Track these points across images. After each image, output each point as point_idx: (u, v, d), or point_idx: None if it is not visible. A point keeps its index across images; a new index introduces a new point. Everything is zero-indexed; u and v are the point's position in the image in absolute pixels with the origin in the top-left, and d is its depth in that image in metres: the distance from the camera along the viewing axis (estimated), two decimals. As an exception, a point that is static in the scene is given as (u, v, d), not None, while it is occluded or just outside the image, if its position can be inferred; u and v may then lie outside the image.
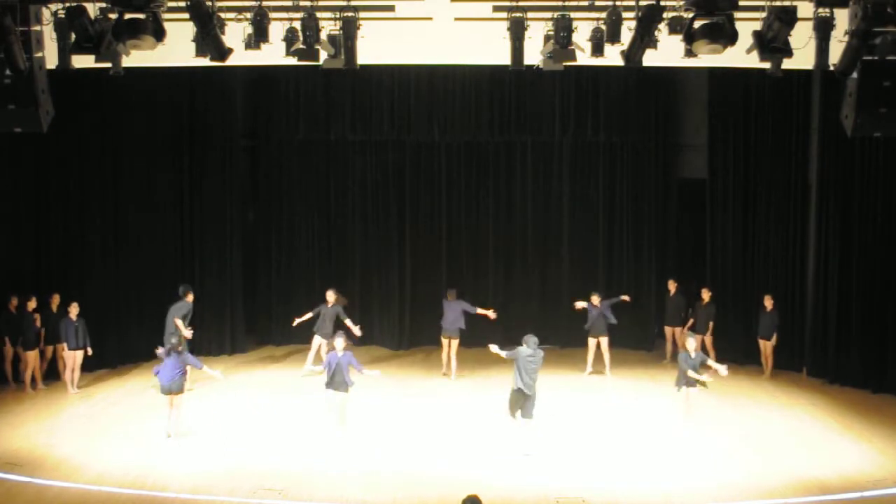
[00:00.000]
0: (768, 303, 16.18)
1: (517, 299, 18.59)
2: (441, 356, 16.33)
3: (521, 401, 12.13)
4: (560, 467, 11.59)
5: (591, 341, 16.28)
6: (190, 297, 15.16)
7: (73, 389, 14.92)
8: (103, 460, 11.76)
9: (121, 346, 16.76)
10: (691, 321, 16.86)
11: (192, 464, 11.66)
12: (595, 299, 16.25)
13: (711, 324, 16.58)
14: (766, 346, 16.23)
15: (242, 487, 10.87)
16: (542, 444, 12.16)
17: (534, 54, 10.46)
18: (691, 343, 12.68)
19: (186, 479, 11.13)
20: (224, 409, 14.15)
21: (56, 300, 15.20)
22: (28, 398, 14.65)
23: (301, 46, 9.96)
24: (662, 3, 9.18)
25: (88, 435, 12.79)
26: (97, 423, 13.37)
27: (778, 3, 8.98)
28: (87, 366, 15.44)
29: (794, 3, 8.95)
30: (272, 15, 9.86)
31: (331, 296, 15.95)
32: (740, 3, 8.64)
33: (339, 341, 12.39)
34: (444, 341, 16.12)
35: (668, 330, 17.23)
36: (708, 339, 16.70)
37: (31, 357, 14.95)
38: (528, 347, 12.13)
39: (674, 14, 9.65)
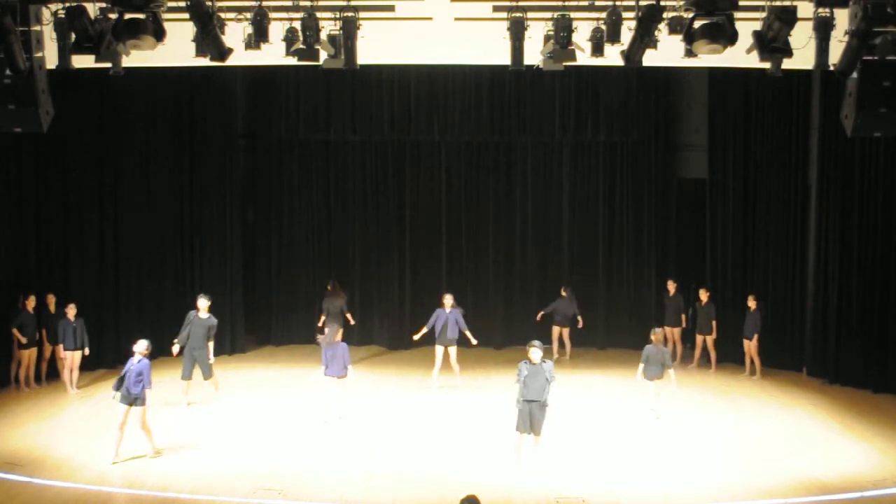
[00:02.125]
0: (752, 303, 16.17)
1: (517, 299, 18.60)
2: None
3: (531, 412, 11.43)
4: (560, 467, 11.58)
5: (555, 330, 17.24)
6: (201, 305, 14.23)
7: (73, 390, 14.91)
8: (103, 460, 11.73)
9: (120, 346, 16.71)
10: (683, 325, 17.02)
11: (192, 464, 11.66)
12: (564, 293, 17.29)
13: (714, 323, 16.61)
14: (750, 346, 16.22)
15: (242, 487, 10.87)
16: (544, 448, 12.16)
17: (534, 54, 10.44)
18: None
19: (186, 479, 11.13)
20: (224, 409, 14.14)
21: (52, 300, 15.19)
22: (28, 398, 14.64)
23: (301, 46, 9.95)
24: (662, 3, 9.18)
25: (88, 435, 12.78)
26: (97, 423, 13.34)
27: (778, 3, 8.98)
28: (87, 366, 15.43)
29: (794, 3, 8.94)
30: (272, 15, 9.84)
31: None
32: (740, 3, 8.63)
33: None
34: (441, 349, 15.46)
35: (667, 330, 17.20)
36: (710, 339, 16.73)
37: (27, 356, 14.98)
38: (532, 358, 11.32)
39: (674, 14, 9.64)
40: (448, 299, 15.45)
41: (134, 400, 11.65)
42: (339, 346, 13.35)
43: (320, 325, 15.88)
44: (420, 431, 13.12)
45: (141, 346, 11.81)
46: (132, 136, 16.82)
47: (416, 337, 15.82)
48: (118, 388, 11.71)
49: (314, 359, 16.38)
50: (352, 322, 16.40)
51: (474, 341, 15.60)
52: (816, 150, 16.33)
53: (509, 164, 18.60)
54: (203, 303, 14.14)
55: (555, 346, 17.33)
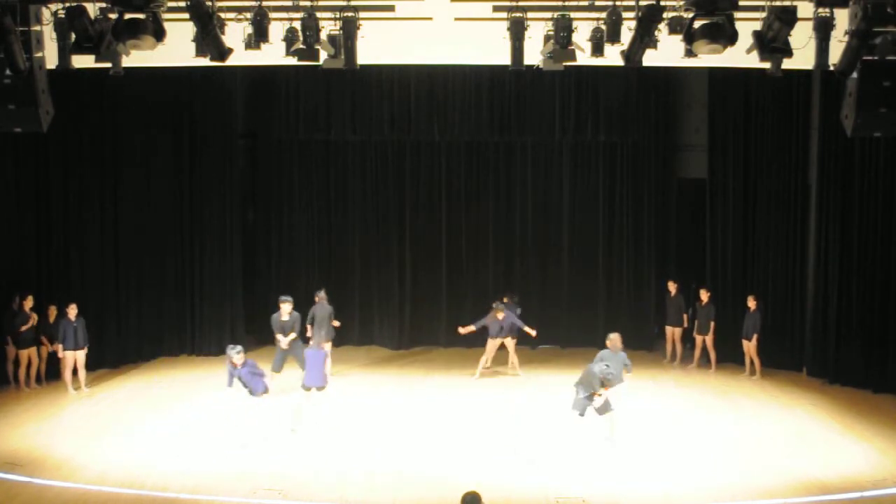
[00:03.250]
0: (751, 303, 16.16)
1: (517, 299, 18.56)
2: (483, 358, 16.16)
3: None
4: (560, 467, 11.59)
5: (509, 342, 16.21)
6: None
7: (73, 390, 14.88)
8: (103, 460, 11.76)
9: (120, 346, 16.76)
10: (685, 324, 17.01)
11: (193, 464, 11.67)
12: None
13: (713, 324, 16.60)
14: (749, 347, 16.21)
15: (242, 487, 10.88)
16: (544, 448, 12.18)
17: (534, 54, 10.45)
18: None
19: (186, 479, 11.13)
20: (224, 409, 14.12)
21: (53, 311, 15.17)
22: (28, 398, 14.65)
23: (301, 46, 9.95)
24: (662, 3, 9.18)
25: (89, 435, 12.80)
26: (97, 423, 13.37)
27: (778, 3, 8.98)
28: (88, 366, 15.40)
29: (794, 3, 8.94)
30: (272, 15, 9.85)
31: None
32: (740, 3, 8.64)
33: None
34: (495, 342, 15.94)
35: (668, 330, 17.23)
36: (709, 339, 16.73)
37: (25, 356, 14.98)
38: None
39: (674, 14, 9.64)
40: (501, 314, 15.61)
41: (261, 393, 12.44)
42: (320, 353, 13.16)
43: (308, 334, 15.56)
44: (420, 431, 13.12)
45: (234, 354, 12.38)
46: (132, 136, 16.81)
47: (462, 331, 15.97)
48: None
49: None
50: (336, 324, 16.17)
51: (533, 333, 15.75)
52: (816, 150, 16.32)
53: (509, 164, 18.57)
54: (286, 307, 14.60)
55: (486, 360, 16.36)
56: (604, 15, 9.70)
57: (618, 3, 9.60)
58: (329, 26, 10.06)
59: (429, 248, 18.70)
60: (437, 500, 10.54)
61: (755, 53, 9.26)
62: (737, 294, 17.11)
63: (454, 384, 15.79)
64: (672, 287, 17.14)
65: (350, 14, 9.77)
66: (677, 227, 18.70)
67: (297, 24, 9.94)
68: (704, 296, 16.72)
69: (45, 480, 11.06)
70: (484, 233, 18.73)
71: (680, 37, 9.33)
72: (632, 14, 9.47)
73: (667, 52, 9.81)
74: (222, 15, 9.74)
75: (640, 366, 16.84)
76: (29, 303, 14.91)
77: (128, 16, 8.55)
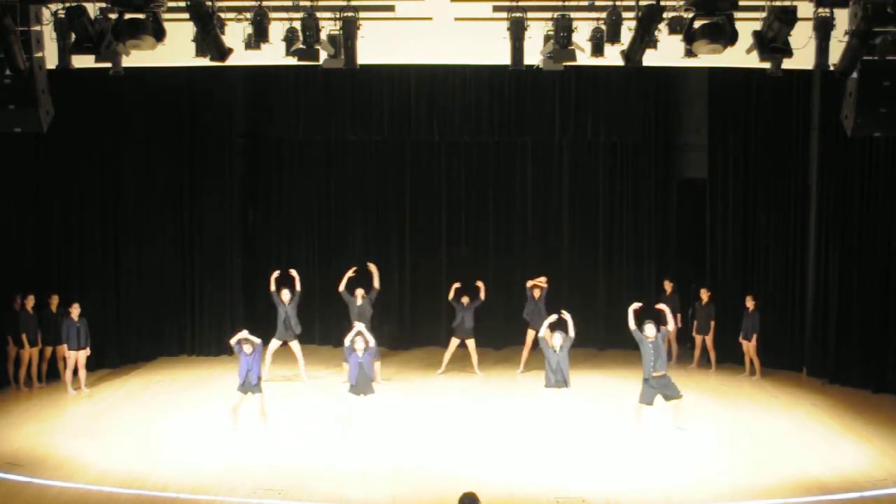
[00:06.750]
0: (749, 303, 16.16)
1: (517, 299, 18.56)
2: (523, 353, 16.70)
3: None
4: (560, 467, 11.59)
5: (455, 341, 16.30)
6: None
7: (73, 391, 14.85)
8: (104, 460, 11.75)
9: (121, 347, 16.76)
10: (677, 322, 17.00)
11: (193, 464, 11.66)
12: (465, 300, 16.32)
13: (713, 324, 16.60)
14: (748, 347, 16.20)
15: (242, 487, 10.87)
16: (544, 448, 12.17)
17: (534, 54, 10.46)
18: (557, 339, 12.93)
19: (186, 479, 11.13)
20: (224, 408, 14.12)
21: (55, 301, 15.17)
22: (28, 398, 14.64)
23: (301, 46, 9.97)
24: (662, 3, 9.19)
25: (89, 435, 12.79)
26: (98, 423, 13.36)
27: (778, 3, 8.99)
28: (88, 366, 15.40)
29: (794, 3, 8.95)
30: (272, 15, 9.86)
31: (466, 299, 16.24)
32: (740, 3, 8.65)
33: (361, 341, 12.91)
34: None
35: (662, 330, 17.17)
36: (709, 339, 16.72)
37: (26, 356, 14.97)
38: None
39: (674, 14, 9.66)
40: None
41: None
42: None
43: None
44: (420, 431, 13.12)
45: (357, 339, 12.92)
46: (132, 135, 16.81)
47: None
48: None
49: (313, 359, 16.43)
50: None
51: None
52: (816, 150, 16.33)
53: (509, 164, 18.58)
54: (360, 291, 15.64)
55: (447, 357, 16.40)
56: (604, 15, 9.71)
57: (618, 3, 9.62)
58: (329, 26, 10.08)
59: (428, 248, 18.71)
60: (437, 499, 10.54)
61: (755, 53, 9.28)
62: (737, 294, 17.08)
63: (454, 384, 15.80)
64: (668, 286, 17.13)
65: (350, 14, 9.79)
66: (677, 227, 18.70)
67: (297, 24, 9.96)
68: (704, 296, 16.71)
69: (45, 480, 11.05)
70: (483, 232, 18.73)
71: (680, 37, 9.35)
72: (632, 14, 9.48)
73: (667, 52, 9.82)
74: (222, 15, 9.75)
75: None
76: (30, 303, 14.91)
77: (128, 16, 8.58)
